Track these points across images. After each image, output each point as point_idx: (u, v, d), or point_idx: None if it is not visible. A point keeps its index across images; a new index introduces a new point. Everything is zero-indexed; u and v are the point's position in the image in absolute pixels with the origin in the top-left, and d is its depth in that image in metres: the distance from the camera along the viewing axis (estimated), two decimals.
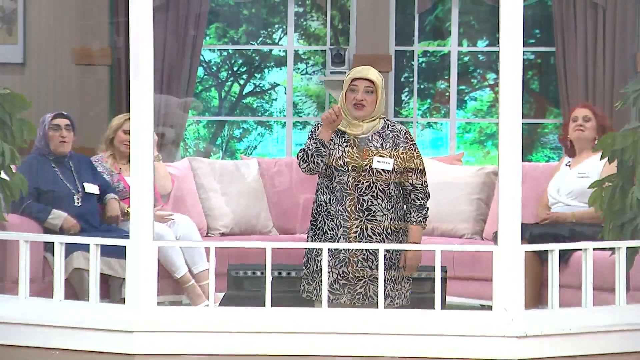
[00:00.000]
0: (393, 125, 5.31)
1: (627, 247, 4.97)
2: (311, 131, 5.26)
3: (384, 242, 5.15)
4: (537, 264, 5.76)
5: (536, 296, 5.81)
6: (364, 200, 5.16)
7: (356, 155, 5.20)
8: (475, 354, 4.67)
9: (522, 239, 4.76)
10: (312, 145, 5.19)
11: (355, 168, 5.18)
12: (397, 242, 5.20)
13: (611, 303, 4.96)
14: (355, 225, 5.15)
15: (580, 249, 4.99)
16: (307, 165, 5.21)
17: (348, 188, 5.17)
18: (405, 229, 5.26)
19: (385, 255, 5.01)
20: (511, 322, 4.69)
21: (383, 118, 5.32)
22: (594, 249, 4.96)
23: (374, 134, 5.25)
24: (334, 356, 4.70)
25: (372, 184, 5.17)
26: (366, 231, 5.15)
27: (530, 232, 5.85)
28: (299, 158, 5.23)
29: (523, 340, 4.67)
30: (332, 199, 5.20)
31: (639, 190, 4.90)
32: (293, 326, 4.74)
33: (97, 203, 6.16)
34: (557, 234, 5.84)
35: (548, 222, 6.11)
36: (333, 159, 5.20)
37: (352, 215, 5.15)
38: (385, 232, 5.16)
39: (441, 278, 4.80)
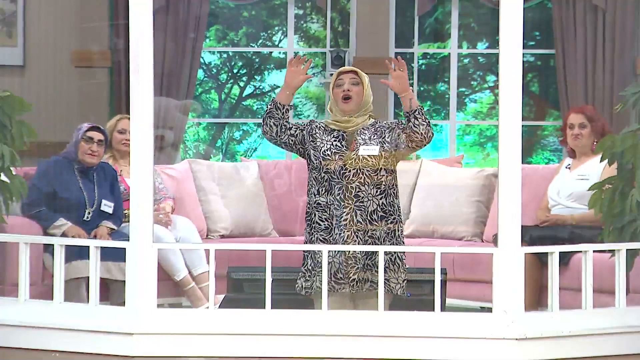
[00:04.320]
0: (383, 121, 5.35)
1: (626, 250, 4.97)
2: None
3: (367, 227, 5.16)
4: (537, 266, 5.77)
5: (536, 298, 5.81)
6: (352, 187, 5.18)
7: (345, 147, 5.23)
8: (475, 356, 4.67)
9: (522, 241, 4.76)
10: (269, 105, 5.27)
11: (342, 157, 5.20)
12: (386, 230, 5.19)
13: (611, 305, 4.96)
14: (345, 213, 5.16)
15: (580, 251, 4.99)
16: (262, 128, 5.32)
17: (336, 177, 5.19)
18: (399, 219, 5.26)
19: (378, 235, 5.12)
20: (511, 324, 4.69)
21: (373, 116, 5.35)
22: (593, 252, 4.96)
23: (363, 128, 5.27)
24: (334, 358, 4.70)
25: (359, 171, 5.19)
26: (356, 217, 5.16)
27: (530, 235, 5.86)
28: (262, 119, 5.34)
29: (523, 343, 4.67)
30: (322, 190, 5.22)
31: (638, 193, 4.90)
32: (293, 328, 4.74)
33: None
34: (557, 237, 5.84)
35: (548, 224, 6.11)
36: (320, 152, 5.23)
37: (342, 204, 5.17)
38: (369, 217, 5.17)
39: (441, 280, 4.80)
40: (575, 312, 4.89)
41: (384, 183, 5.22)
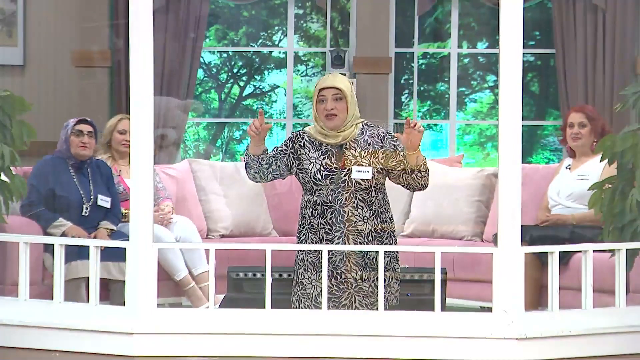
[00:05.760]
0: (372, 129, 5.20)
1: (626, 249, 4.97)
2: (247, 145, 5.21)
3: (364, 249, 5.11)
4: (537, 266, 5.77)
5: (536, 298, 5.81)
6: (344, 211, 5.11)
7: (334, 166, 5.12)
8: (475, 356, 4.67)
9: (522, 241, 4.76)
10: (244, 158, 5.18)
11: (334, 180, 5.11)
12: (382, 243, 5.15)
13: (611, 305, 4.96)
14: (337, 237, 5.10)
15: (580, 251, 4.99)
16: (247, 175, 5.23)
17: (328, 201, 5.11)
18: (392, 231, 5.23)
19: (371, 256, 5.06)
20: (511, 324, 4.69)
21: (361, 122, 5.20)
22: (593, 251, 4.96)
23: (352, 141, 5.14)
24: (334, 358, 4.70)
25: (351, 194, 5.11)
26: (348, 242, 5.10)
27: (530, 234, 5.86)
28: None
29: (523, 343, 4.67)
30: (314, 213, 5.15)
31: (638, 193, 4.90)
32: (293, 328, 4.74)
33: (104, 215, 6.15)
34: (557, 236, 5.84)
35: (548, 224, 6.11)
36: (311, 174, 5.13)
37: (334, 228, 5.11)
38: (366, 239, 5.12)
39: (441, 280, 4.80)
40: (575, 312, 4.88)
41: (375, 202, 5.16)
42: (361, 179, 5.09)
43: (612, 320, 4.87)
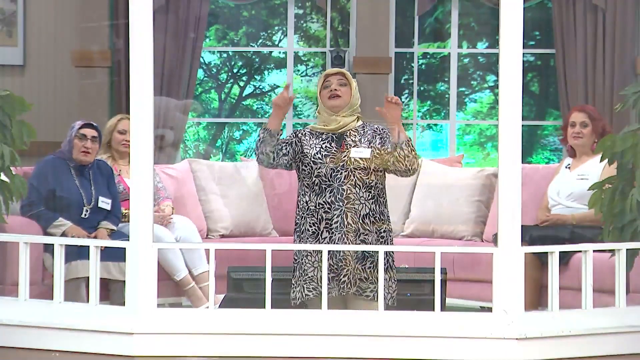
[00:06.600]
0: (371, 125, 5.35)
1: (626, 249, 4.96)
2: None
3: (359, 231, 5.16)
4: (536, 266, 5.77)
5: (536, 298, 5.81)
6: (343, 189, 5.17)
7: (334, 148, 5.23)
8: (475, 356, 4.67)
9: (522, 241, 4.76)
10: (261, 134, 5.24)
11: (334, 160, 5.20)
12: (377, 238, 5.19)
13: (611, 305, 4.96)
14: (336, 216, 5.15)
15: (580, 251, 4.99)
16: (257, 157, 5.28)
17: (327, 180, 5.19)
18: (389, 230, 5.25)
19: (365, 239, 5.10)
20: (511, 324, 4.69)
21: (361, 118, 5.36)
22: (593, 251, 4.96)
23: (352, 130, 5.28)
24: (334, 358, 4.70)
25: (350, 173, 5.18)
26: (346, 219, 5.16)
27: (530, 234, 5.86)
28: (255, 148, 5.30)
29: (523, 343, 4.67)
30: (312, 195, 5.21)
31: (638, 193, 4.90)
32: (293, 328, 4.74)
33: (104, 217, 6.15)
34: (557, 236, 5.84)
35: (548, 224, 6.11)
36: (310, 156, 5.22)
37: (332, 206, 5.16)
38: (361, 220, 5.16)
39: (441, 280, 4.80)
40: (575, 312, 4.89)
41: (374, 187, 5.21)
42: (360, 158, 5.16)
43: (612, 320, 4.87)
